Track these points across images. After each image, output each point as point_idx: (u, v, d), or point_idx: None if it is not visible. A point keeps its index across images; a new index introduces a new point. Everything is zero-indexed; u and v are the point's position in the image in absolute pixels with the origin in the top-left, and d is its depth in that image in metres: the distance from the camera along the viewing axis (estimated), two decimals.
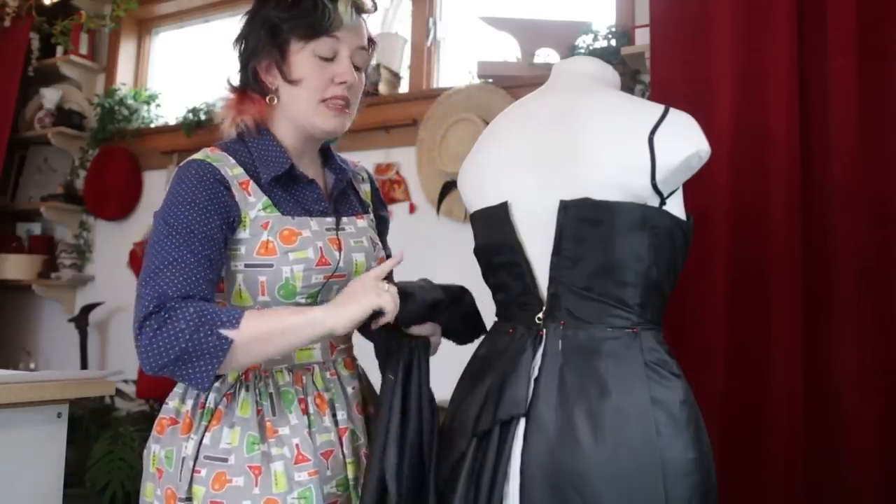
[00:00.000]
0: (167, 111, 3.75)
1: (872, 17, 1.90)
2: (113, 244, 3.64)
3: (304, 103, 1.27)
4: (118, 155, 3.66)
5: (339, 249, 1.30)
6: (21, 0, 3.66)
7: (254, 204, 1.25)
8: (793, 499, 1.85)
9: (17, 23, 3.69)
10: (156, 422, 1.31)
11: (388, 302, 1.19)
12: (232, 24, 3.63)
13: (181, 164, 1.25)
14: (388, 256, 1.46)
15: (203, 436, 1.23)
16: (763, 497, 1.88)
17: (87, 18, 3.65)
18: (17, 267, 3.67)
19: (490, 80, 2.77)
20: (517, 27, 2.72)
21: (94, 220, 3.76)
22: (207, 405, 1.25)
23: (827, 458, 1.85)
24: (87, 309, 3.51)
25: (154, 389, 3.06)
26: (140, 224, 3.56)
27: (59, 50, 3.74)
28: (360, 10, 1.30)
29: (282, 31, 1.26)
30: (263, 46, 1.27)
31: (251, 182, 1.26)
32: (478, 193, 1.39)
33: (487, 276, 1.41)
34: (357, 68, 1.30)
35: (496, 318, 1.40)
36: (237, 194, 1.24)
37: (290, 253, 1.24)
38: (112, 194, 3.64)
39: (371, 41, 1.34)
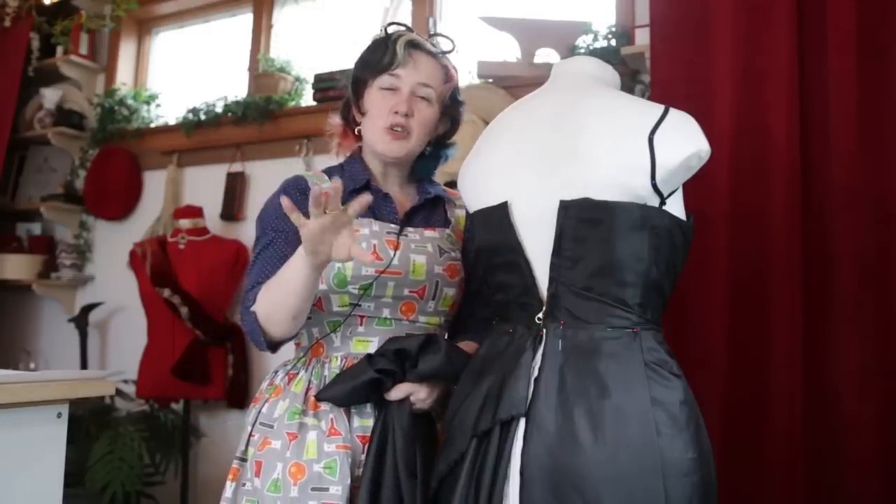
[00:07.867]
0: (167, 111, 3.74)
1: (872, 17, 1.90)
2: (113, 244, 3.63)
3: (371, 130, 1.49)
4: (118, 155, 3.65)
5: (395, 249, 1.42)
6: (21, 0, 3.65)
7: None
8: (793, 499, 1.84)
9: (17, 23, 3.68)
10: None
11: (326, 252, 1.22)
12: (232, 25, 3.67)
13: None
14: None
15: (263, 406, 1.43)
16: (763, 497, 1.88)
17: (87, 18, 3.64)
18: (17, 267, 3.66)
19: (490, 80, 2.77)
20: (517, 27, 2.72)
21: (94, 220, 3.75)
22: (275, 382, 1.45)
23: (827, 458, 1.85)
24: (87, 309, 3.50)
25: (154, 389, 3.06)
26: (140, 224, 3.55)
27: (59, 50, 3.73)
28: (416, 47, 1.48)
29: (360, 76, 1.51)
30: (351, 93, 1.54)
31: None
32: (478, 193, 1.39)
33: (487, 276, 1.41)
34: (424, 100, 1.47)
35: (496, 319, 1.40)
36: None
37: None
38: (112, 194, 3.63)
39: (449, 78, 1.51)
